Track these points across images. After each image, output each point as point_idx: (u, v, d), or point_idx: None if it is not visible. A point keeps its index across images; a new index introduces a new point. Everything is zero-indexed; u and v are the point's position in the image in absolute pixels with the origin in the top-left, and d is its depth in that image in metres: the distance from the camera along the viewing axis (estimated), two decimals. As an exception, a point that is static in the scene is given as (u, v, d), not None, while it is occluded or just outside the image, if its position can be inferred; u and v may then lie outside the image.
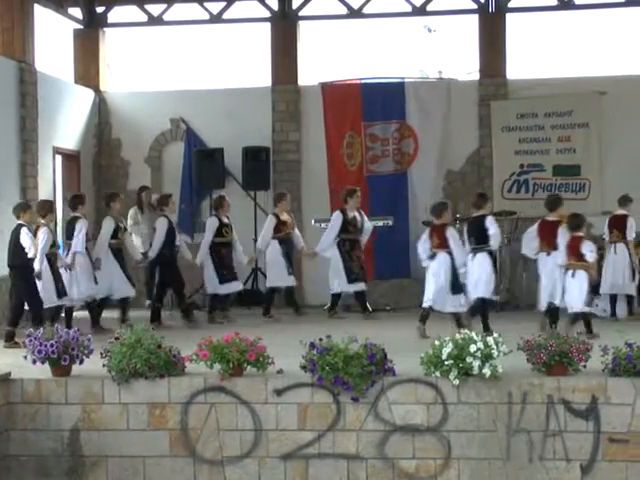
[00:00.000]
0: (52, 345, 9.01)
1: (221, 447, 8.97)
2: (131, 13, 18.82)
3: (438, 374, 8.72)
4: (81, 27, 18.70)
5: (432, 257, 12.67)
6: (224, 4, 18.49)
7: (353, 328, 10.87)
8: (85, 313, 13.99)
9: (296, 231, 15.66)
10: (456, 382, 8.65)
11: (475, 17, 18.17)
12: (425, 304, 12.67)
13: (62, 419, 9.08)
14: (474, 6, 18.12)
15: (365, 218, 15.50)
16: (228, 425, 8.95)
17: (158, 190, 17.40)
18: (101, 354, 9.08)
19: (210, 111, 18.05)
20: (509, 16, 18.03)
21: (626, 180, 16.66)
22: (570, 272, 11.91)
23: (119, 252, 14.11)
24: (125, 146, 18.56)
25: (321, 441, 8.87)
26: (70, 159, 17.69)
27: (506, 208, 17.12)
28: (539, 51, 18.07)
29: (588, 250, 11.88)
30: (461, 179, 18.04)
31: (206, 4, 18.52)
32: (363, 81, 18.35)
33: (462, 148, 17.92)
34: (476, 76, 18.20)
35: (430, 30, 19.28)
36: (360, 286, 15.19)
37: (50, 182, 16.73)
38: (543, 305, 12.50)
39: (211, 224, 15.05)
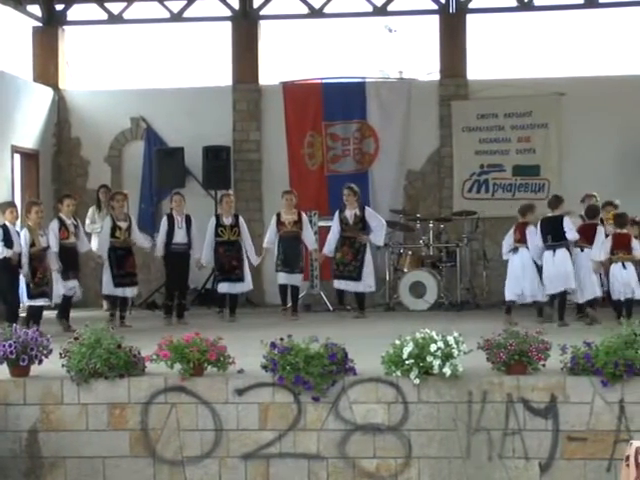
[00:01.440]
0: (10, 345, 8.92)
1: (181, 447, 8.93)
2: (91, 11, 18.73)
3: (399, 373, 8.73)
4: (40, 25, 18.59)
5: (515, 251, 13.82)
6: (185, 3, 18.44)
7: (314, 328, 10.87)
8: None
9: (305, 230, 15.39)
10: (417, 381, 8.67)
11: (436, 17, 18.25)
12: (508, 297, 13.83)
13: (20, 420, 9.00)
14: (435, 6, 18.20)
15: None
16: (189, 425, 8.92)
17: (118, 189, 17.31)
18: (60, 354, 9.00)
19: (171, 110, 17.99)
20: (469, 17, 18.13)
21: (585, 180, 16.80)
22: (620, 264, 13.19)
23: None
24: (85, 145, 18.46)
25: (282, 441, 8.86)
26: (29, 158, 17.57)
27: (466, 208, 17.23)
28: (499, 52, 18.18)
29: (637, 245, 13.32)
30: (422, 179, 18.11)
31: (166, 3, 18.46)
32: (324, 81, 18.38)
33: (423, 148, 17.99)
34: (437, 76, 18.27)
35: (391, 30, 19.33)
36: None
37: (9, 181, 16.61)
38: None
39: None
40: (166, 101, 18.07)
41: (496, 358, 8.77)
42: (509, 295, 13.87)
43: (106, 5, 18.54)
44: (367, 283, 15.30)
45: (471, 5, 18.13)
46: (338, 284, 15.39)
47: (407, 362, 8.65)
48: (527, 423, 8.70)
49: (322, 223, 16.62)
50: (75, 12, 18.77)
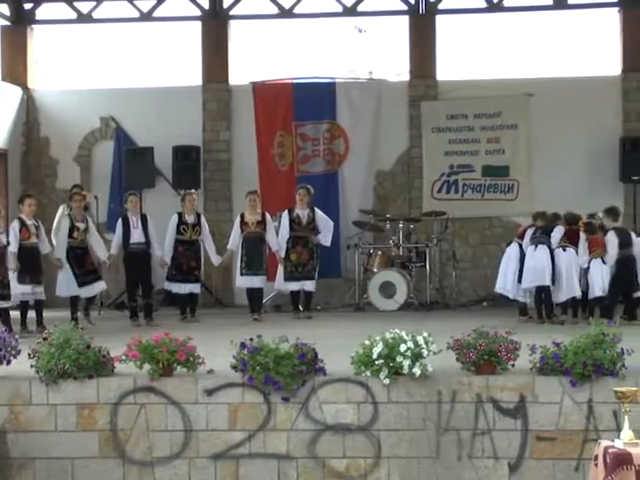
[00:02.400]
0: (-22, 346, 8.87)
1: (151, 448, 8.90)
2: (60, 10, 18.65)
3: (368, 373, 8.74)
4: (9, 24, 18.50)
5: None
6: (154, 2, 18.41)
7: (284, 328, 10.86)
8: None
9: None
10: (386, 381, 8.68)
11: (405, 18, 18.30)
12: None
13: (-12, 421, 8.95)
14: (404, 7, 18.25)
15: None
16: (158, 426, 8.89)
17: (87, 189, 17.25)
18: (29, 354, 8.95)
19: (140, 110, 17.94)
20: (439, 17, 18.19)
21: (553, 181, 16.91)
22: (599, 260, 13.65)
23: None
24: (54, 144, 18.38)
25: (252, 441, 8.85)
26: (-3, 157, 17.47)
27: (436, 208, 17.28)
28: (469, 53, 18.20)
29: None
30: (391, 179, 18.15)
31: (136, 2, 18.41)
32: (294, 81, 18.37)
33: (392, 148, 18.03)
34: (406, 77, 18.30)
35: (360, 31, 19.30)
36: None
37: (-23, 180, 16.51)
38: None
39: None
40: (136, 101, 18.02)
41: (465, 358, 8.80)
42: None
43: (75, 4, 18.46)
44: (315, 282, 15.34)
45: (440, 6, 18.20)
46: (294, 285, 15.28)
47: (377, 362, 8.66)
48: (496, 423, 8.73)
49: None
50: (44, 11, 18.70)
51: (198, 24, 18.53)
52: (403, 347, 8.60)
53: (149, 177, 17.51)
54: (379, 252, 16.80)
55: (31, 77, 18.58)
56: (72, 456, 8.90)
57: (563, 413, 8.68)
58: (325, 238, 15.39)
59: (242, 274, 15.06)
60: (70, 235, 14.07)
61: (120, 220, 14.71)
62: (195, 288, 14.95)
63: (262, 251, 15.13)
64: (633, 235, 13.95)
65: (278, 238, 15.24)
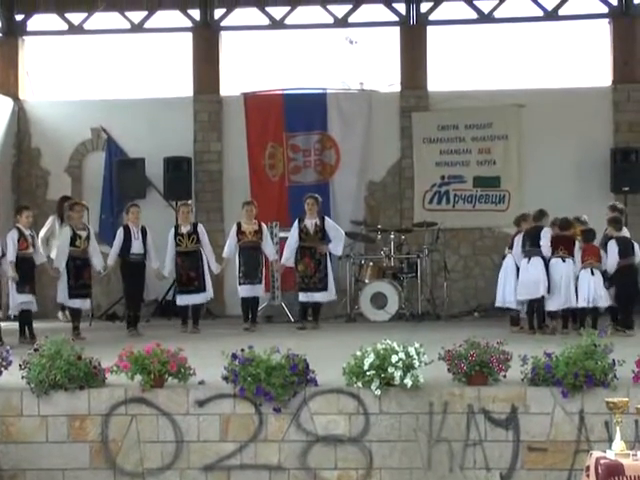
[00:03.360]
0: (-31, 357, 8.85)
1: (142, 459, 8.88)
2: (51, 21, 18.63)
3: (360, 384, 8.74)
4: (0, 35, 18.45)
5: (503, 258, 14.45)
6: (145, 13, 18.41)
7: (275, 339, 10.86)
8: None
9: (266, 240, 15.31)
10: (378, 392, 8.68)
11: (396, 29, 18.33)
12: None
13: (-21, 432, 8.92)
14: (395, 18, 18.28)
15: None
16: (149, 437, 8.88)
17: (78, 200, 17.21)
18: (20, 366, 8.94)
19: (131, 121, 17.93)
20: (430, 29, 18.22)
21: (544, 191, 16.93)
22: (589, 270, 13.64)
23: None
24: (45, 156, 18.35)
25: (243, 452, 8.84)
26: (-12, 168, 17.44)
27: (427, 219, 17.26)
28: (460, 64, 18.23)
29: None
30: (382, 190, 18.15)
31: (127, 13, 18.40)
32: (285, 92, 18.37)
33: (383, 159, 18.04)
34: (397, 88, 18.33)
35: (352, 42, 19.32)
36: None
37: (-32, 191, 16.48)
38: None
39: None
40: (127, 112, 18.00)
41: (457, 369, 8.81)
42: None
43: (66, 15, 18.46)
44: (332, 292, 15.32)
45: (431, 17, 18.23)
46: (304, 297, 15.23)
47: (368, 373, 8.66)
48: (488, 434, 8.73)
49: (283, 234, 16.57)
50: (35, 22, 18.68)
51: (189, 35, 18.54)
52: (394, 358, 8.61)
53: (140, 188, 17.49)
54: (370, 263, 16.79)
55: (22, 88, 18.56)
56: (63, 467, 8.89)
57: (555, 424, 8.69)
58: (336, 247, 15.32)
59: (241, 283, 15.08)
60: (72, 244, 14.03)
61: (121, 230, 14.67)
62: (194, 299, 14.85)
63: (259, 261, 15.14)
64: (636, 246, 13.92)
65: (285, 248, 15.30)
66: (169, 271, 14.85)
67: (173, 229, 14.90)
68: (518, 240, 14.07)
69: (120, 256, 14.48)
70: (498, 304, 14.40)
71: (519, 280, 13.85)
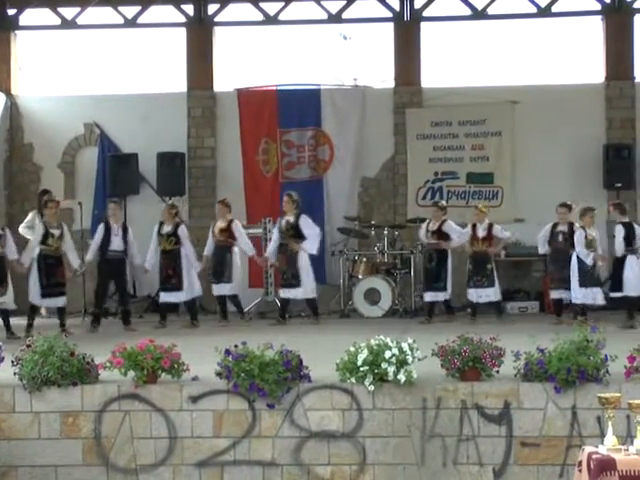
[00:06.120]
0: (-39, 353, 8.84)
1: (135, 455, 8.88)
2: (44, 16, 18.59)
3: (353, 380, 8.75)
4: (-8, 30, 18.43)
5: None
6: (139, 9, 18.37)
7: (269, 335, 10.86)
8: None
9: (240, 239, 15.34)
10: (371, 388, 8.69)
11: (390, 25, 18.33)
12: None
13: (-28, 429, 8.91)
14: (389, 14, 18.28)
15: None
16: (142, 433, 8.87)
17: (71, 195, 17.23)
18: (12, 362, 8.92)
19: (125, 116, 17.90)
20: (424, 25, 18.22)
21: (537, 187, 16.96)
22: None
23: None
24: (37, 151, 18.32)
25: (236, 448, 8.84)
26: (-19, 164, 17.41)
27: (420, 215, 17.24)
28: (453, 60, 18.24)
29: None
30: (376, 186, 18.15)
31: (121, 8, 18.36)
32: (279, 87, 18.35)
33: (377, 155, 18.04)
34: (391, 84, 18.33)
35: (345, 38, 19.32)
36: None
37: (-40, 187, 16.45)
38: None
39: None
40: (120, 107, 17.98)
41: (450, 365, 8.81)
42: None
43: (59, 10, 18.42)
44: (307, 289, 15.24)
45: (425, 13, 18.23)
46: (282, 293, 15.29)
47: (362, 369, 8.67)
48: (481, 429, 8.74)
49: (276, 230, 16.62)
50: (28, 17, 18.63)
51: (183, 30, 18.52)
52: (388, 354, 8.61)
53: (133, 184, 17.48)
54: (364, 259, 16.80)
55: (14, 83, 18.53)
56: (56, 464, 8.87)
57: (547, 419, 8.70)
58: (310, 245, 15.24)
59: (211, 282, 15.30)
60: (44, 242, 13.92)
61: (102, 226, 14.71)
62: (171, 297, 14.91)
63: (226, 259, 15.16)
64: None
65: (269, 245, 15.33)
66: (151, 265, 14.93)
67: (158, 225, 15.01)
68: (580, 235, 14.16)
69: (99, 252, 14.48)
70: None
71: (625, 276, 13.98)
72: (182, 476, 8.87)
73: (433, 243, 15.34)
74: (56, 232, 14.04)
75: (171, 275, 14.85)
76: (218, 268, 15.21)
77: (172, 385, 8.91)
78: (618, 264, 14.15)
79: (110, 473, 8.90)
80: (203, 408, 8.85)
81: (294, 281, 15.15)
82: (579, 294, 14.16)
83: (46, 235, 13.93)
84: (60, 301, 14.16)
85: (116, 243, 14.50)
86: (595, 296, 14.09)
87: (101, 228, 14.65)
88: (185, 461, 8.86)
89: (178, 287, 14.86)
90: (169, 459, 8.87)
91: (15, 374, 8.90)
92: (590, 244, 14.16)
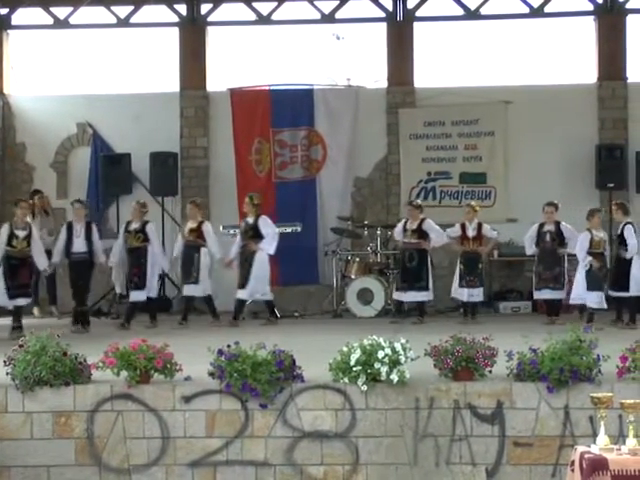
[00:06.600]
0: (-48, 353, 8.81)
1: (128, 455, 8.87)
2: (36, 15, 18.55)
3: (346, 380, 8.75)
4: (-16, 29, 18.39)
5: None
6: (132, 8, 18.34)
7: (261, 334, 10.85)
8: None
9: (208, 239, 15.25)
10: (364, 388, 8.69)
11: (383, 25, 18.33)
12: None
13: (-36, 429, 8.89)
14: (382, 14, 18.28)
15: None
16: (135, 433, 8.86)
17: (64, 195, 17.20)
18: (5, 362, 8.91)
19: (117, 116, 17.88)
20: (417, 25, 18.23)
21: (530, 187, 16.98)
22: None
23: None
24: (30, 150, 18.28)
25: (229, 448, 8.84)
26: (-27, 163, 17.37)
27: (413, 215, 17.25)
28: (446, 60, 18.25)
29: None
30: (369, 186, 18.16)
31: (113, 8, 18.34)
32: (272, 87, 18.35)
33: (370, 155, 18.04)
34: (384, 84, 18.33)
35: (338, 37, 19.32)
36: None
37: (-48, 186, 16.41)
38: None
39: None
40: (113, 107, 17.95)
41: (443, 364, 8.82)
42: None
43: (52, 10, 18.38)
44: (256, 290, 15.05)
45: (418, 13, 18.23)
46: (241, 294, 15.09)
47: (354, 369, 8.67)
48: (474, 429, 8.75)
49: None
50: (20, 16, 18.60)
51: (176, 30, 18.50)
52: (381, 354, 8.62)
53: (126, 183, 17.47)
54: (357, 259, 16.80)
55: (7, 83, 18.49)
56: (48, 464, 8.86)
57: (540, 419, 8.72)
58: (267, 245, 15.08)
59: (182, 282, 15.30)
60: (9, 243, 13.69)
61: (64, 227, 14.63)
62: (135, 295, 14.82)
63: (194, 260, 15.07)
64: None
65: (232, 248, 15.24)
66: (115, 261, 14.83)
67: (125, 223, 15.01)
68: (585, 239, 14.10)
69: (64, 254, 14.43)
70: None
71: (633, 275, 13.91)
72: (175, 476, 8.86)
73: (414, 242, 15.28)
74: (22, 233, 13.77)
75: (135, 274, 14.75)
76: (186, 268, 15.13)
77: (165, 385, 8.91)
78: (626, 264, 14.02)
79: (102, 473, 8.89)
80: (196, 408, 8.85)
81: (243, 282, 14.98)
82: (595, 298, 13.93)
83: (11, 236, 13.72)
84: (22, 301, 13.90)
85: (78, 245, 14.35)
86: (601, 300, 13.99)
87: (63, 229, 14.55)
88: (178, 461, 8.86)
89: (140, 286, 14.76)
90: (162, 459, 8.86)
91: (7, 374, 8.89)
92: (598, 245, 14.03)
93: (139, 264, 14.77)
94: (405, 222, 15.44)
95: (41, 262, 14.06)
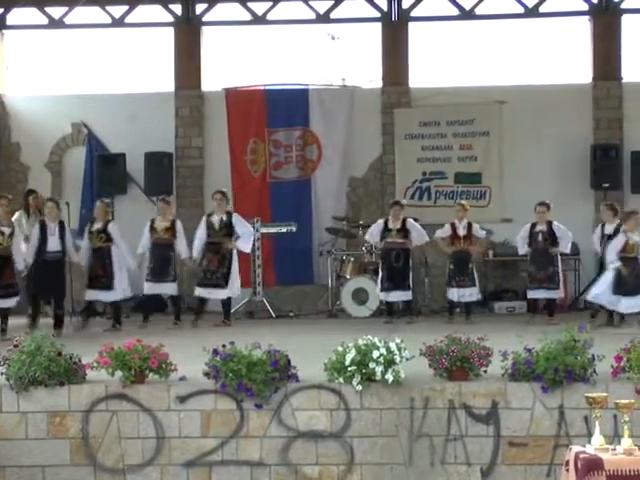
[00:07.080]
0: (-54, 354, 8.80)
1: (123, 455, 8.87)
2: (31, 15, 18.53)
3: (341, 380, 8.75)
4: (-21, 29, 18.37)
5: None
6: (126, 8, 18.32)
7: (257, 335, 10.85)
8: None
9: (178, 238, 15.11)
10: (359, 388, 8.69)
11: (378, 25, 18.34)
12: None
13: (-42, 429, 8.88)
14: (377, 14, 18.29)
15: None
16: (130, 433, 8.86)
17: (58, 195, 17.18)
18: (-1, 362, 8.91)
19: (112, 116, 17.87)
20: (412, 25, 18.23)
21: (525, 187, 16.99)
22: None
23: None
24: (25, 150, 18.26)
25: (224, 448, 8.84)
26: (-33, 163, 17.34)
27: (408, 215, 17.23)
28: (441, 60, 18.26)
29: None
30: (364, 186, 18.16)
31: (108, 8, 18.32)
32: (267, 87, 18.34)
33: (365, 155, 18.05)
34: (379, 84, 18.34)
35: (334, 38, 19.32)
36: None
37: (-53, 186, 16.38)
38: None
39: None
40: (108, 107, 17.94)
41: (438, 364, 8.83)
42: None
43: (46, 9, 18.36)
44: (232, 289, 14.98)
45: (413, 13, 18.24)
46: (201, 291, 14.98)
47: (349, 369, 8.68)
48: (469, 429, 8.76)
49: (264, 230, 16.63)
50: (15, 16, 18.58)
51: (171, 30, 18.49)
52: (376, 353, 8.62)
53: (121, 183, 17.45)
54: (352, 259, 16.80)
55: (2, 83, 18.48)
56: (43, 464, 8.86)
57: (535, 419, 8.72)
58: (244, 244, 15.09)
59: (147, 280, 15.04)
60: None
61: (37, 226, 14.39)
62: (102, 296, 14.76)
63: (169, 258, 14.97)
64: None
65: (195, 243, 15.05)
66: (81, 258, 14.67)
67: (90, 223, 14.92)
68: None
69: (36, 253, 14.17)
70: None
71: None
72: (170, 476, 8.86)
73: (400, 242, 15.25)
74: (6, 230, 13.70)
75: (100, 275, 14.60)
76: (160, 266, 14.93)
77: (160, 385, 8.90)
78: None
79: (97, 473, 8.88)
80: (191, 408, 8.85)
81: (222, 281, 14.86)
82: (627, 302, 13.68)
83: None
84: (11, 302, 13.77)
85: (52, 243, 14.15)
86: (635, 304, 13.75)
87: (36, 228, 14.32)
88: (173, 461, 8.86)
89: (108, 286, 14.63)
90: (157, 459, 8.86)
91: (2, 374, 8.88)
92: (632, 249, 13.76)
93: (104, 264, 14.62)
94: (386, 222, 15.38)
95: (18, 262, 13.88)
